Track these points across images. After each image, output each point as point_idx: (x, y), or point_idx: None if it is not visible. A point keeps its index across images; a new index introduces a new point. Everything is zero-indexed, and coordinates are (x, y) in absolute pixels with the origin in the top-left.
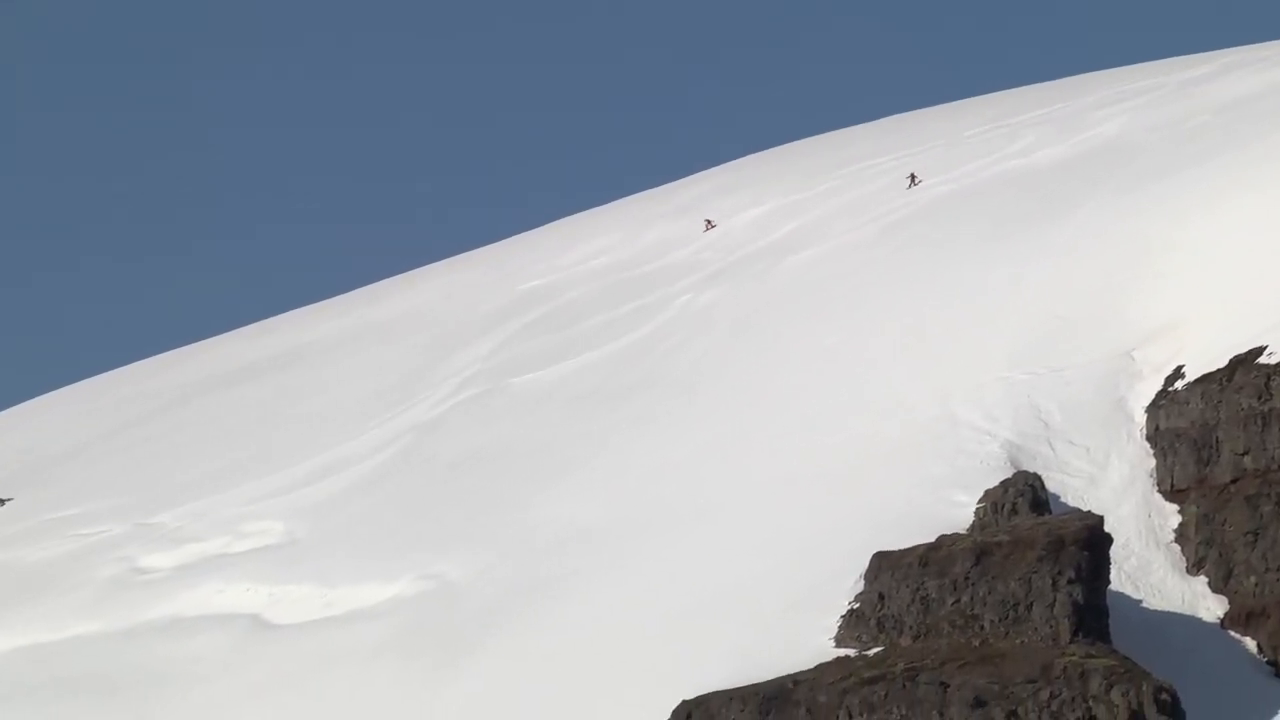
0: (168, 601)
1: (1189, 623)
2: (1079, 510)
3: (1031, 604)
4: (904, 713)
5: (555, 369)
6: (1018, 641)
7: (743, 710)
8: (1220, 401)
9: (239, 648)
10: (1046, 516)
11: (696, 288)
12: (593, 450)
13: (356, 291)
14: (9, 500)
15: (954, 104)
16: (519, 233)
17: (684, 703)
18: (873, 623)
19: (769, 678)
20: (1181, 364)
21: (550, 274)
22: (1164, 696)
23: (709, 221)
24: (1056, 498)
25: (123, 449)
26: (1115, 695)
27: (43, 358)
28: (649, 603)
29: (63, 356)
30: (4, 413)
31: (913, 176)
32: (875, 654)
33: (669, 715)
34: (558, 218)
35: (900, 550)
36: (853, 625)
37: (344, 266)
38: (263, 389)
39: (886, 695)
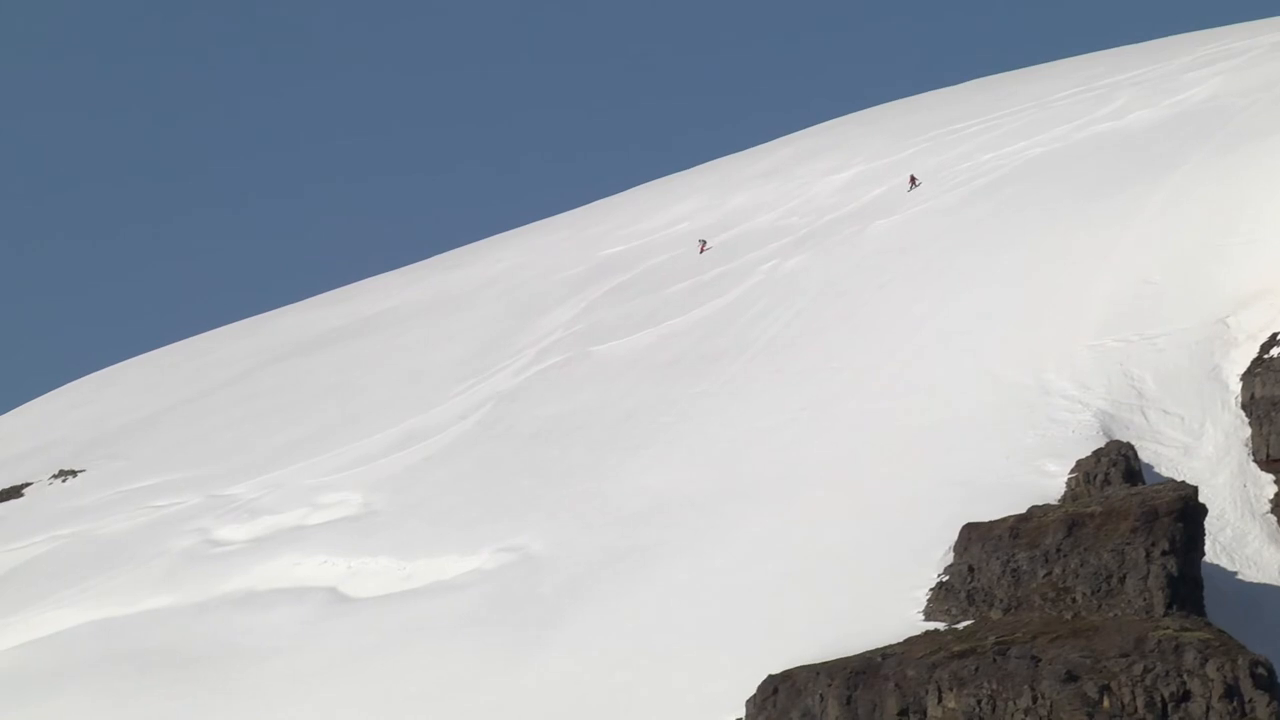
0: (243, 574)
1: None
2: (1173, 480)
3: (1124, 576)
4: (994, 687)
5: (638, 336)
6: (1110, 614)
7: (829, 685)
8: None
9: (316, 621)
10: (1140, 487)
11: (782, 253)
12: (677, 419)
13: (435, 258)
14: (81, 472)
15: (1043, 66)
16: (600, 198)
17: (770, 677)
18: (962, 595)
19: (856, 652)
20: (1277, 330)
21: (633, 240)
22: (1260, 671)
23: (703, 242)
24: (1150, 468)
25: (197, 419)
26: (1210, 669)
27: (114, 326)
28: (734, 575)
29: (134, 325)
30: (75, 383)
31: (912, 179)
32: (965, 627)
33: (755, 690)
34: (640, 182)
35: (990, 521)
36: (942, 598)
37: (422, 233)
38: (340, 357)
39: (976, 669)
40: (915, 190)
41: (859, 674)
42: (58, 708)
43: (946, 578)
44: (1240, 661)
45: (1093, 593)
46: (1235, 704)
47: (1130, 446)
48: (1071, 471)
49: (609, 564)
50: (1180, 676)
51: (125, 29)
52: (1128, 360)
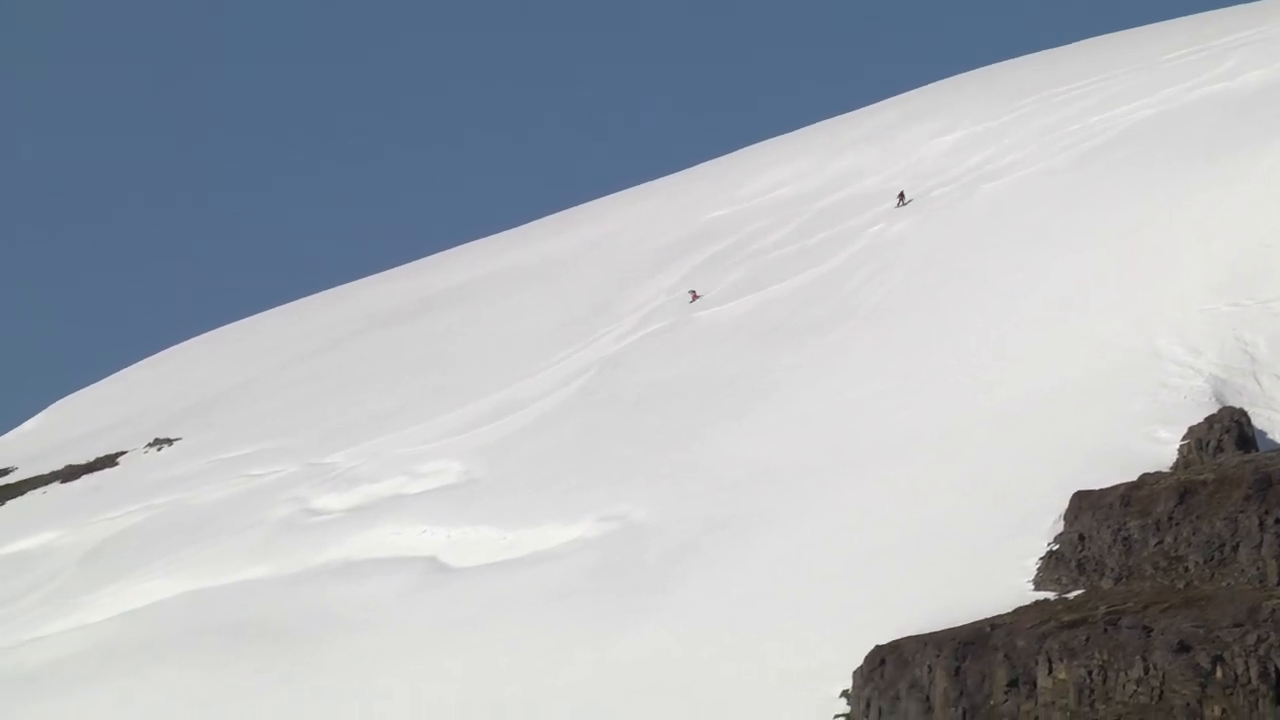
0: (340, 544)
1: None
2: None
3: (1238, 545)
4: (1105, 658)
5: (741, 302)
6: (1223, 584)
7: (938, 656)
8: None
9: (415, 592)
10: (1253, 454)
11: (887, 218)
12: (779, 386)
13: (534, 223)
14: (176, 441)
15: (1153, 26)
16: (701, 162)
17: (877, 648)
18: (1072, 564)
19: (964, 622)
20: None
21: (734, 204)
22: None
23: (693, 293)
24: (1263, 434)
25: (293, 387)
26: None
27: (208, 294)
28: (840, 544)
29: (231, 291)
30: (169, 350)
31: (901, 195)
32: (1075, 597)
33: (861, 661)
34: (741, 146)
35: (1101, 490)
36: (1052, 567)
37: (521, 199)
38: (438, 324)
39: (1087, 640)
40: (904, 205)
41: (968, 645)
42: (152, 679)
43: (1056, 546)
44: None
45: (1205, 562)
46: None
47: (1243, 413)
48: (1183, 438)
49: (711, 533)
50: None
51: None
52: (1240, 324)
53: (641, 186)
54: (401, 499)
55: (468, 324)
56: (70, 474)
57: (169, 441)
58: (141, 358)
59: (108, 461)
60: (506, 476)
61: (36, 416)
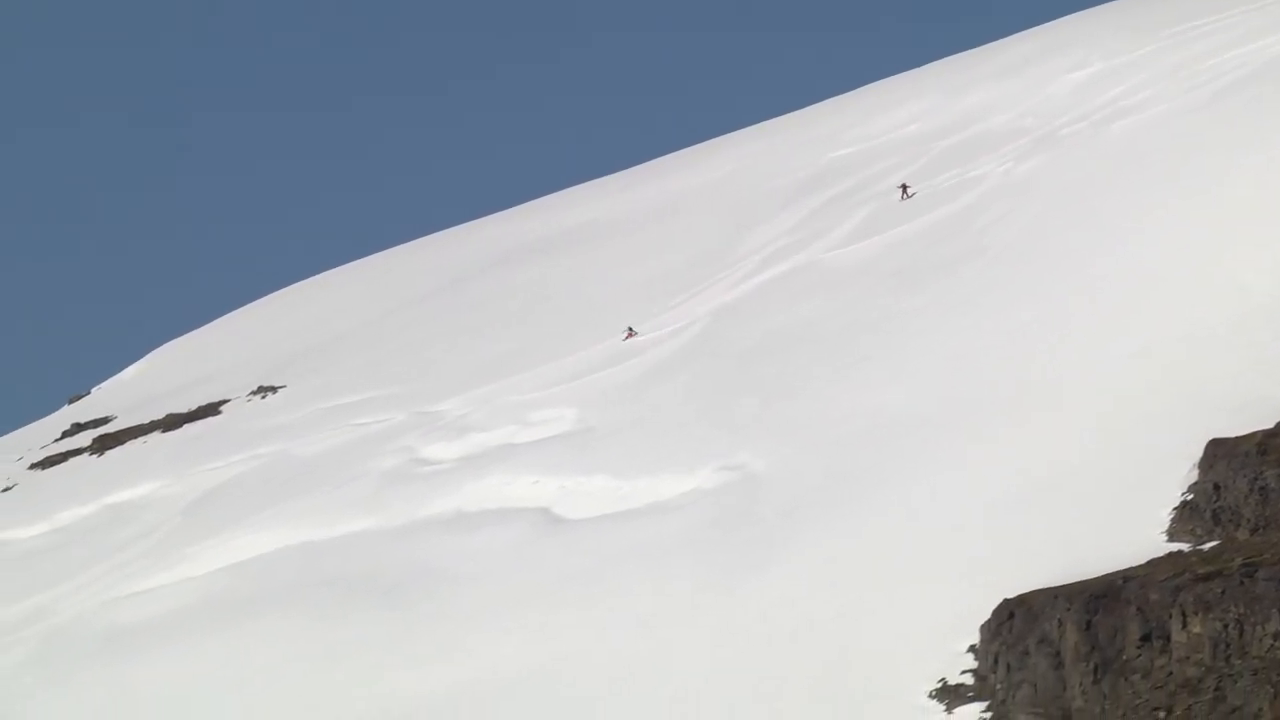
0: (450, 495)
1: None
2: None
3: None
4: (1241, 611)
5: (865, 244)
6: None
7: (1068, 609)
8: None
9: (526, 544)
10: None
11: (1017, 156)
12: (906, 331)
13: (650, 163)
14: (280, 389)
15: None
16: (824, 98)
17: (1005, 601)
18: (1207, 515)
19: (1095, 574)
20: None
21: (859, 142)
22: None
23: (630, 329)
24: None
25: (400, 333)
26: None
27: (312, 237)
28: (967, 494)
29: (333, 236)
30: (273, 295)
31: (904, 188)
32: (1210, 549)
33: (989, 614)
34: (866, 82)
35: (1237, 437)
36: (1186, 518)
37: (636, 137)
38: (551, 268)
39: (1223, 593)
40: (908, 198)
41: (1099, 598)
42: (258, 633)
43: (1190, 496)
44: None
45: None
46: None
47: None
48: None
49: (833, 484)
50: None
51: None
52: None
53: (761, 125)
54: (513, 448)
55: (582, 267)
56: (171, 423)
57: (273, 389)
58: (244, 303)
59: (210, 410)
60: (621, 425)
61: (136, 364)
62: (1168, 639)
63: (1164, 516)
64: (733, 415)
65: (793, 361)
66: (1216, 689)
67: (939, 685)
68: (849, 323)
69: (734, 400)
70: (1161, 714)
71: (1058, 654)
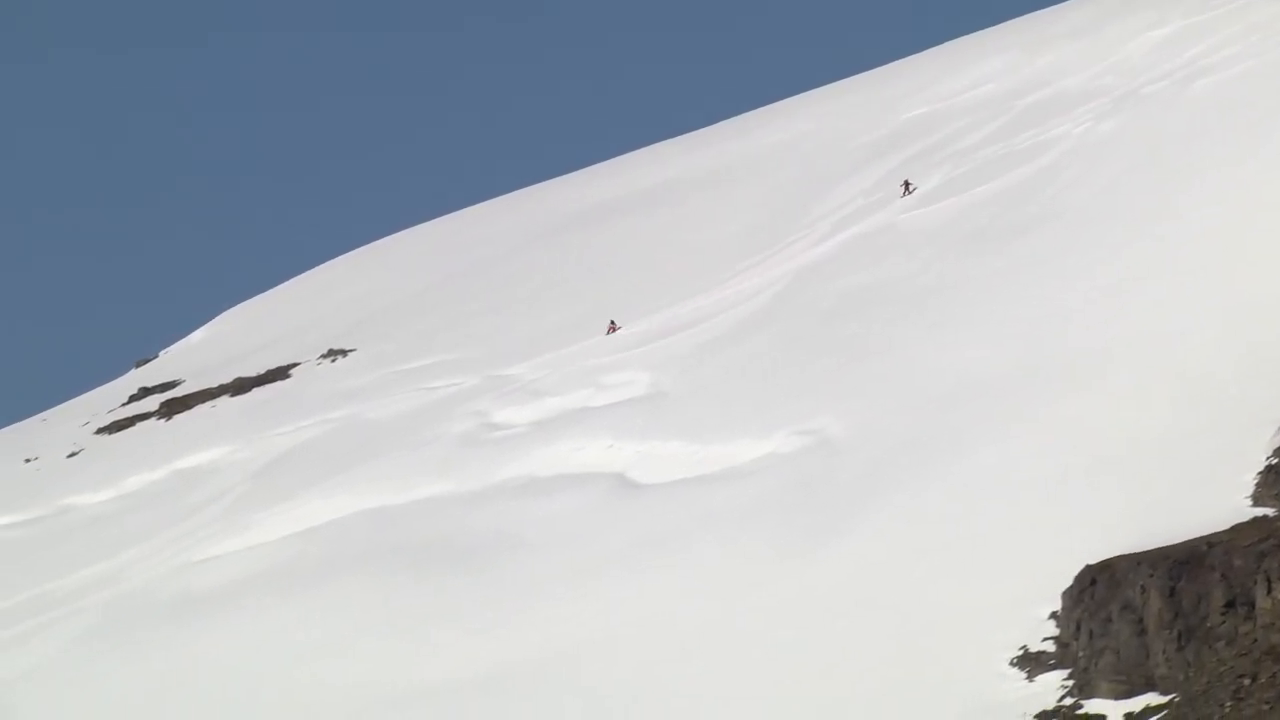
0: (523, 460)
1: None
2: None
3: None
4: None
5: (942, 205)
6: None
7: (1151, 575)
8: None
9: (600, 509)
10: None
11: (1095, 116)
12: (984, 293)
13: (723, 123)
14: (350, 352)
15: None
16: (898, 58)
17: (1087, 567)
18: None
19: (1179, 540)
20: None
21: (934, 103)
22: None
23: (613, 323)
24: None
25: (472, 296)
26: None
27: (383, 197)
28: (1047, 459)
29: (405, 196)
30: (343, 257)
31: (906, 184)
32: None
33: (1071, 581)
34: (940, 41)
35: None
36: (1271, 482)
37: (709, 98)
38: (625, 229)
39: None
40: (909, 194)
41: (1182, 564)
42: (330, 600)
43: (1276, 461)
44: None
45: None
46: None
47: None
48: None
49: (912, 448)
50: None
51: None
52: None
53: (835, 84)
54: (586, 412)
55: (657, 229)
56: (240, 387)
57: (343, 353)
58: (314, 265)
59: (279, 374)
60: (697, 389)
61: (204, 327)
62: (1252, 605)
63: (1248, 481)
64: (809, 378)
65: (870, 324)
66: None
67: (1020, 652)
68: (926, 284)
69: (810, 363)
70: (1246, 681)
71: (1140, 621)
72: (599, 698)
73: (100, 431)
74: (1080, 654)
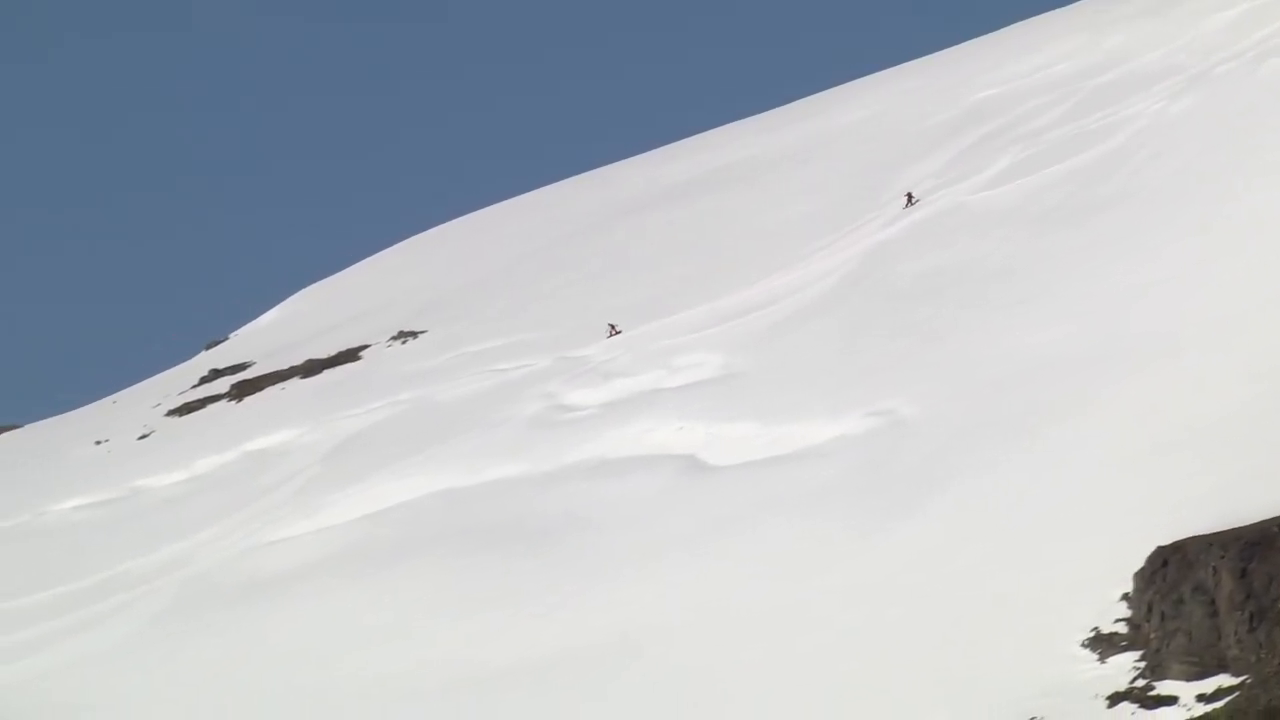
0: (594, 441)
1: None
2: None
3: None
4: None
5: (1015, 186)
6: None
7: (1223, 557)
8: None
9: (672, 490)
10: None
11: (1169, 95)
12: (1056, 274)
13: (795, 104)
14: (421, 333)
15: None
16: (969, 39)
17: (1159, 549)
18: None
19: (1251, 521)
20: None
21: (1006, 83)
22: None
23: (612, 326)
24: None
25: (542, 276)
26: None
27: (457, 178)
28: (1119, 440)
29: (476, 178)
30: (413, 239)
31: (909, 196)
32: None
33: (1143, 562)
34: (1012, 22)
35: None
36: None
37: (782, 79)
38: (695, 210)
39: None
40: (911, 205)
41: (1254, 545)
42: (401, 583)
43: None
44: None
45: None
46: None
47: None
48: None
49: (983, 428)
50: None
51: None
52: None
53: (907, 65)
54: (658, 394)
55: (726, 210)
56: (311, 369)
57: (414, 335)
58: (384, 246)
59: (350, 356)
60: (768, 370)
61: (275, 309)
62: None
63: None
64: (880, 360)
65: (942, 305)
66: None
67: (1092, 634)
68: (998, 266)
69: (882, 344)
70: None
71: (1212, 602)
72: (667, 679)
73: (171, 414)
74: (1152, 635)
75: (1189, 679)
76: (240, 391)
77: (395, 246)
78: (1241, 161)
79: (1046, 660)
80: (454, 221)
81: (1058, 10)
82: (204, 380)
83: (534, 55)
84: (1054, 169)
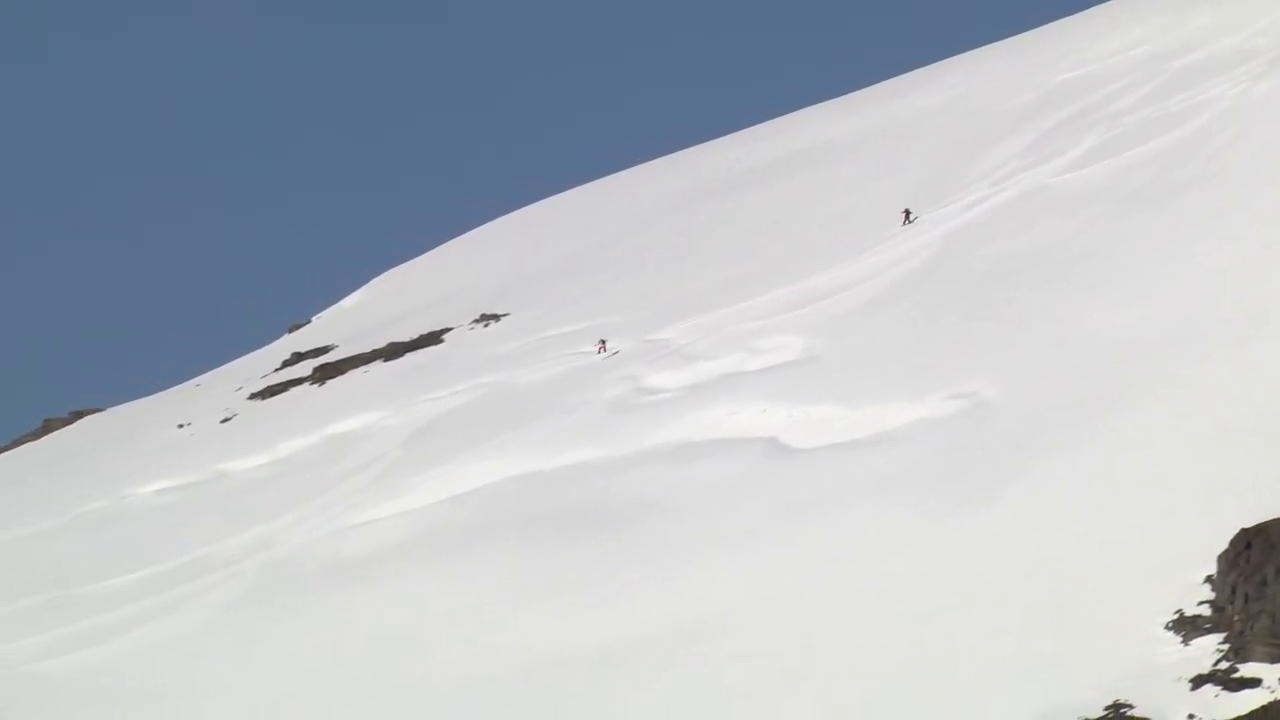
0: (675, 425)
1: None
2: None
3: None
4: None
5: (1097, 168)
6: None
7: None
8: None
9: (753, 474)
10: None
11: (1250, 78)
12: (1139, 256)
13: (875, 87)
14: (503, 316)
15: None
16: (1050, 20)
17: (1243, 531)
18: None
19: None
20: None
21: (1087, 65)
22: None
23: (603, 342)
24: None
25: (624, 259)
26: None
27: (538, 161)
28: (1202, 421)
29: (557, 160)
30: (495, 222)
31: (907, 213)
32: None
33: (1226, 545)
34: (1092, 4)
35: None
36: None
37: (860, 61)
38: (775, 193)
39: None
40: (910, 223)
41: None
42: (481, 565)
43: None
44: None
45: None
46: None
47: None
48: None
49: (1065, 411)
50: None
51: None
52: None
53: (989, 47)
54: (739, 376)
55: (807, 192)
56: (393, 352)
57: (495, 318)
58: (466, 230)
59: (432, 339)
60: (849, 353)
61: (357, 292)
62: None
63: None
64: (962, 342)
65: (1025, 287)
66: None
67: (1175, 617)
68: (1080, 248)
69: (963, 327)
70: None
71: None
72: (740, 664)
73: (253, 397)
74: (1235, 618)
75: (1273, 661)
76: (322, 375)
77: (477, 230)
78: None
79: (1129, 643)
80: (535, 205)
81: None
82: (286, 363)
83: (618, 38)
84: (1135, 151)
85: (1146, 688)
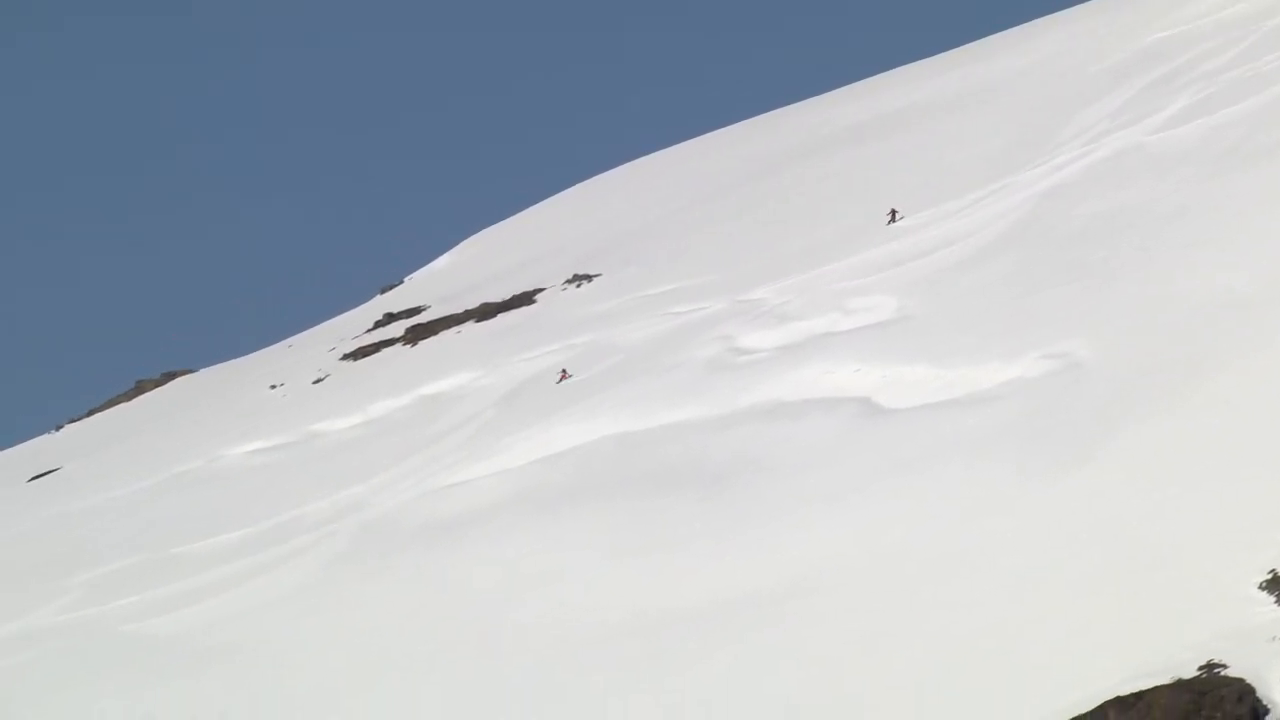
0: (770, 384)
1: None
2: None
3: None
4: None
5: (1190, 127)
6: None
7: None
8: None
9: (848, 433)
10: None
11: None
12: (1235, 215)
13: (968, 46)
14: (596, 277)
15: None
16: None
17: None
18: None
19: None
20: None
21: (1180, 25)
22: None
23: (564, 371)
24: None
25: (717, 219)
26: None
27: (625, 121)
28: None
29: (651, 121)
30: (588, 181)
31: (893, 213)
32: None
33: None
34: None
35: None
36: None
37: (953, 21)
38: (869, 152)
39: None
40: (895, 222)
41: None
42: (578, 525)
43: None
44: None
45: None
46: None
47: None
48: None
49: (1161, 372)
50: None
51: None
52: None
53: (1081, 6)
54: (833, 336)
55: (900, 152)
56: (486, 313)
57: (588, 278)
58: (559, 190)
59: (525, 299)
60: (943, 312)
61: (449, 253)
62: None
63: None
64: (1056, 302)
65: (1120, 246)
66: None
67: (1269, 576)
68: (1175, 207)
69: (1058, 286)
70: None
71: None
72: (835, 623)
73: (346, 358)
74: None
75: None
76: (415, 335)
77: (568, 190)
78: None
79: (1223, 603)
80: (626, 165)
81: None
82: (378, 324)
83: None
84: (1230, 110)
85: (1241, 647)
